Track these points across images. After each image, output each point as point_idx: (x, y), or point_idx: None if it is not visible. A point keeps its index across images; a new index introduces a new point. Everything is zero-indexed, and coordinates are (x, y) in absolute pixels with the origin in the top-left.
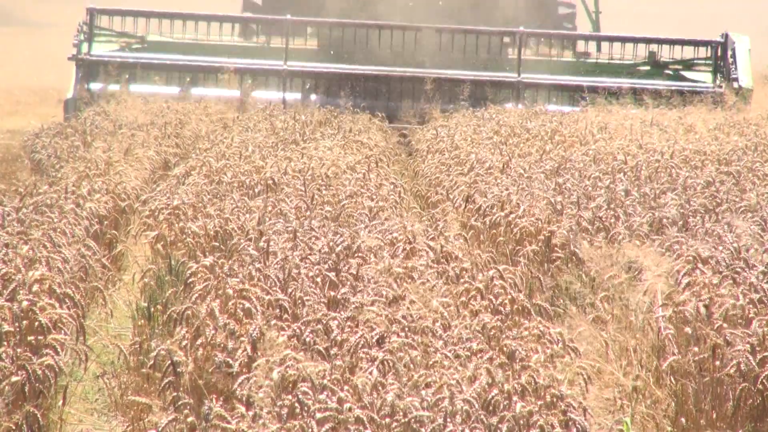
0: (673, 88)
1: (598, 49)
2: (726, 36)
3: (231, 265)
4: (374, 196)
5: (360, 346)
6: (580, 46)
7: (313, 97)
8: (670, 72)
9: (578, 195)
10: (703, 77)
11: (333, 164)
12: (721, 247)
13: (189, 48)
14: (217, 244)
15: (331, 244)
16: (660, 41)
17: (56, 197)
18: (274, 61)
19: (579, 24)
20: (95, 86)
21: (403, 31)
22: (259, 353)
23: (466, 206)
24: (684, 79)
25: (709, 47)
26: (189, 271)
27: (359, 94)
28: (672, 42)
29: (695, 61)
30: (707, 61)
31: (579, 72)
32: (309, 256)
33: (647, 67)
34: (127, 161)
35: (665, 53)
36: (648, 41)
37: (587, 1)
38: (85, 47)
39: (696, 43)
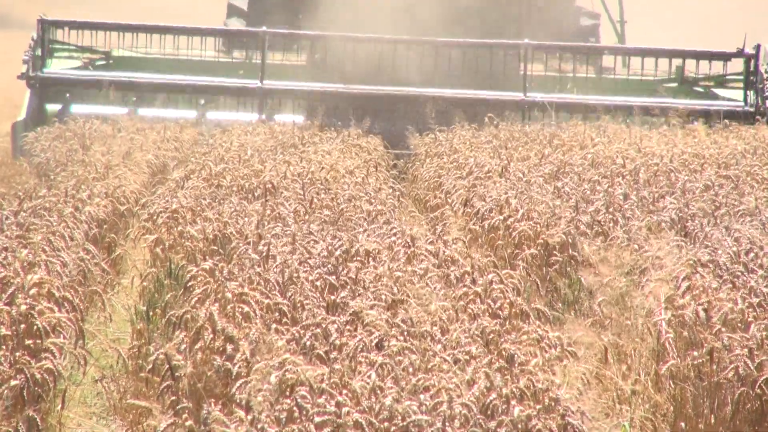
0: (700, 107)
1: (623, 63)
2: (758, 47)
3: (230, 268)
4: (373, 200)
5: (359, 350)
6: (604, 60)
7: (294, 118)
8: (701, 89)
9: (577, 199)
10: (737, 95)
11: (332, 168)
12: (720, 251)
13: (162, 64)
14: (215, 248)
15: (330, 248)
16: (683, 53)
17: (55, 201)
18: (250, 79)
19: (604, 38)
20: (53, 108)
21: (395, 45)
22: (258, 357)
23: (464, 210)
24: (716, 97)
25: (738, 59)
26: (188, 275)
27: (344, 115)
28: (697, 55)
29: (727, 77)
30: (738, 76)
31: (599, 90)
32: (308, 260)
33: (674, 84)
34: (126, 165)
35: (692, 67)
36: (671, 54)
37: (611, 11)
38: (38, 64)
39: (722, 56)
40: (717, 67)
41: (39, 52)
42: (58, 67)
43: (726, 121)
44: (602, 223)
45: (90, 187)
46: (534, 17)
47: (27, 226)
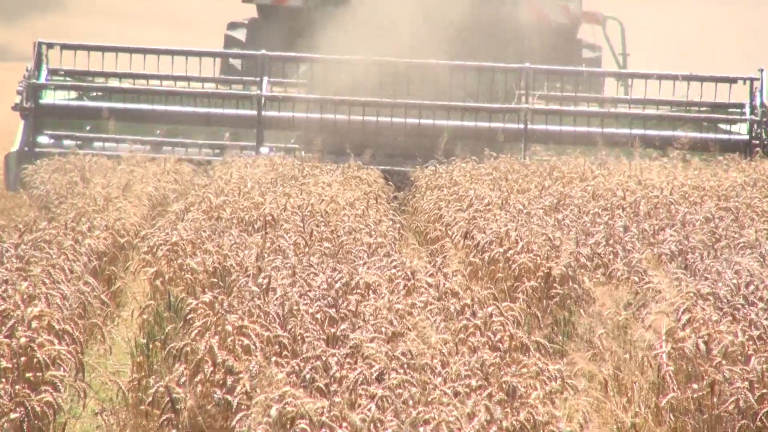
0: (701, 138)
1: (625, 92)
2: (762, 72)
3: (230, 301)
4: (373, 232)
5: (359, 382)
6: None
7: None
8: (705, 122)
9: (577, 231)
10: (742, 128)
11: (332, 200)
12: (720, 284)
13: (160, 96)
14: (215, 280)
15: (330, 280)
16: (688, 77)
17: (55, 233)
18: (248, 110)
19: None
20: (45, 140)
21: (395, 69)
22: (258, 390)
23: (464, 242)
24: (720, 130)
25: (743, 88)
26: (188, 308)
27: (334, 148)
28: (701, 79)
29: (729, 108)
30: (742, 110)
31: (598, 121)
32: (308, 293)
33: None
34: (126, 197)
35: (695, 92)
36: (673, 77)
37: (613, 43)
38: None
39: (721, 80)
40: (722, 93)
41: (34, 80)
42: (54, 97)
43: (726, 155)
44: (602, 256)
45: (90, 219)
46: (536, 50)
47: (27, 259)
